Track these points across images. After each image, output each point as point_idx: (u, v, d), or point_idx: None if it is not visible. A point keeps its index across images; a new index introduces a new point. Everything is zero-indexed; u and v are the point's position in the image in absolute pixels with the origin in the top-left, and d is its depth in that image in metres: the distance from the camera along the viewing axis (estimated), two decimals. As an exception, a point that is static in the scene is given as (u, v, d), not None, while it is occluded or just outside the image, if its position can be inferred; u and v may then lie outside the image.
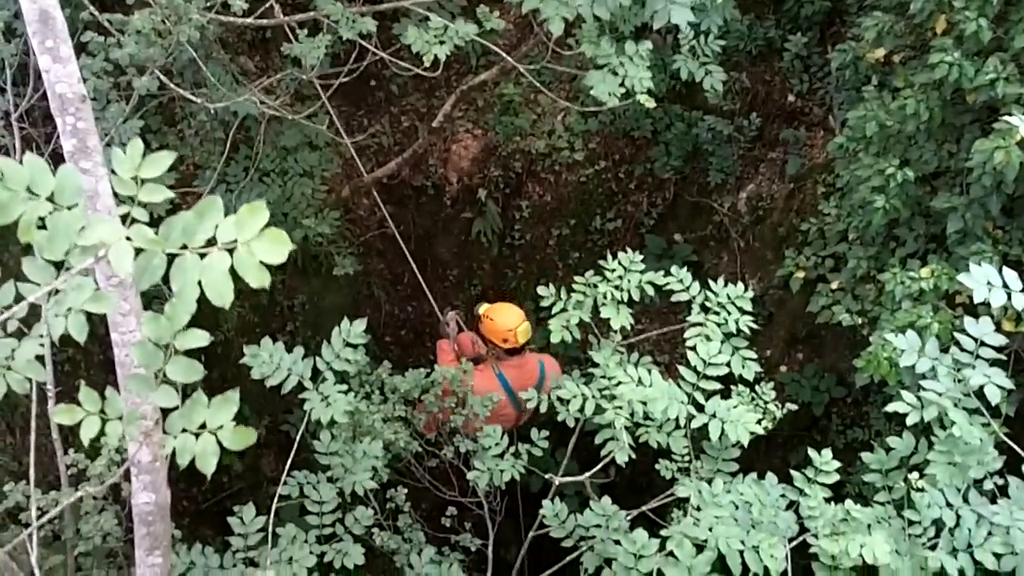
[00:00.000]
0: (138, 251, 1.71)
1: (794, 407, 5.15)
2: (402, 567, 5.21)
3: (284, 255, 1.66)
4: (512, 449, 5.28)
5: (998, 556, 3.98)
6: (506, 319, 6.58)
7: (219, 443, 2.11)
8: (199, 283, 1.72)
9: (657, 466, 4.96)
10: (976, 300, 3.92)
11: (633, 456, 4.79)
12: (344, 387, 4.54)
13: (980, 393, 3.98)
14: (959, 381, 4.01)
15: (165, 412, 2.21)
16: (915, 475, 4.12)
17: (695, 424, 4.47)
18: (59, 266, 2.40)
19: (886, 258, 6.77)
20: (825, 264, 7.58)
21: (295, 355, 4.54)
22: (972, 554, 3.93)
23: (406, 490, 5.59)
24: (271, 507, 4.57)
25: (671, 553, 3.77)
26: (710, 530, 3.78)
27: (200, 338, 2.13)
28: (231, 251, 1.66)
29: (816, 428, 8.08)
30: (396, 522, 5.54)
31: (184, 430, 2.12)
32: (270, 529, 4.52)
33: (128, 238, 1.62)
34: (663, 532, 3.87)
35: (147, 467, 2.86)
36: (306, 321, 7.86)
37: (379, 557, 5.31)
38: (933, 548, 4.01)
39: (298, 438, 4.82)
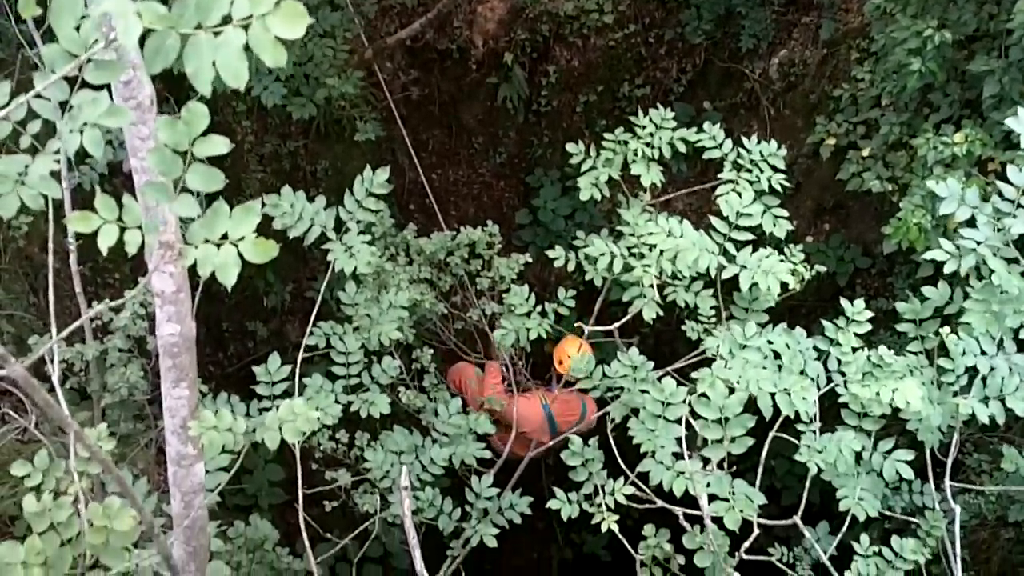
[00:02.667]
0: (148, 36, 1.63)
1: (822, 268, 5.08)
2: (428, 425, 5.24)
3: (301, 30, 1.57)
4: (539, 308, 5.25)
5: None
6: (566, 343, 6.42)
7: (240, 256, 2.05)
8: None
9: (683, 327, 4.91)
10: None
11: (661, 314, 4.75)
12: (368, 238, 4.48)
13: (1020, 242, 3.88)
14: (999, 230, 3.90)
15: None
16: (946, 329, 4.06)
17: (726, 275, 4.41)
18: (72, 82, 2.32)
19: (919, 124, 6.69)
20: (856, 131, 7.48)
21: (317, 205, 4.47)
22: (1003, 401, 3.89)
23: (431, 350, 5.59)
24: (296, 366, 4.56)
25: (703, 395, 3.73)
26: (740, 375, 3.74)
27: (219, 144, 2.05)
28: (246, 28, 1.57)
29: (840, 298, 8.03)
30: (421, 382, 5.56)
31: (206, 241, 2.06)
32: (296, 382, 4.53)
33: (138, 15, 1.52)
34: (693, 375, 3.83)
35: (170, 297, 2.82)
36: (328, 187, 7.76)
37: (403, 422, 5.33)
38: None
39: (319, 299, 4.78)
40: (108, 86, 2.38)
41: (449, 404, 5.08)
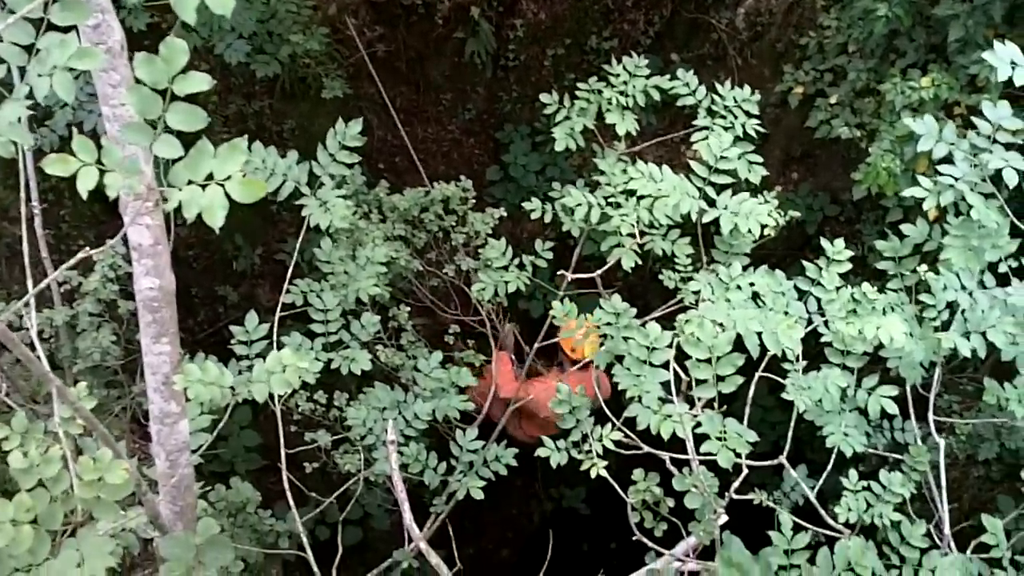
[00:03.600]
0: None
1: (796, 214, 5.10)
2: (407, 383, 5.20)
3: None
4: (516, 261, 5.21)
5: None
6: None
7: (227, 196, 1.99)
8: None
9: (660, 278, 4.90)
10: (998, 79, 3.81)
11: (639, 263, 4.73)
12: (342, 192, 4.40)
13: (996, 178, 3.90)
14: (975, 166, 3.92)
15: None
16: (923, 267, 4.08)
17: (706, 219, 4.40)
18: (38, 26, 2.24)
19: (886, 70, 6.78)
20: (824, 79, 7.54)
21: (289, 159, 4.39)
22: (984, 335, 3.91)
23: (408, 308, 5.55)
24: (273, 327, 4.49)
25: (691, 335, 3.70)
26: (728, 314, 3.73)
27: (200, 80, 1.99)
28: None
29: (809, 247, 8.08)
30: (399, 341, 5.52)
31: (190, 182, 1.99)
32: (274, 342, 4.47)
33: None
34: (681, 316, 3.81)
35: (148, 251, 2.75)
36: (296, 146, 7.57)
37: (380, 382, 5.30)
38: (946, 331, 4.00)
39: (293, 260, 4.71)
40: (76, 33, 2.30)
41: (430, 358, 5.05)
